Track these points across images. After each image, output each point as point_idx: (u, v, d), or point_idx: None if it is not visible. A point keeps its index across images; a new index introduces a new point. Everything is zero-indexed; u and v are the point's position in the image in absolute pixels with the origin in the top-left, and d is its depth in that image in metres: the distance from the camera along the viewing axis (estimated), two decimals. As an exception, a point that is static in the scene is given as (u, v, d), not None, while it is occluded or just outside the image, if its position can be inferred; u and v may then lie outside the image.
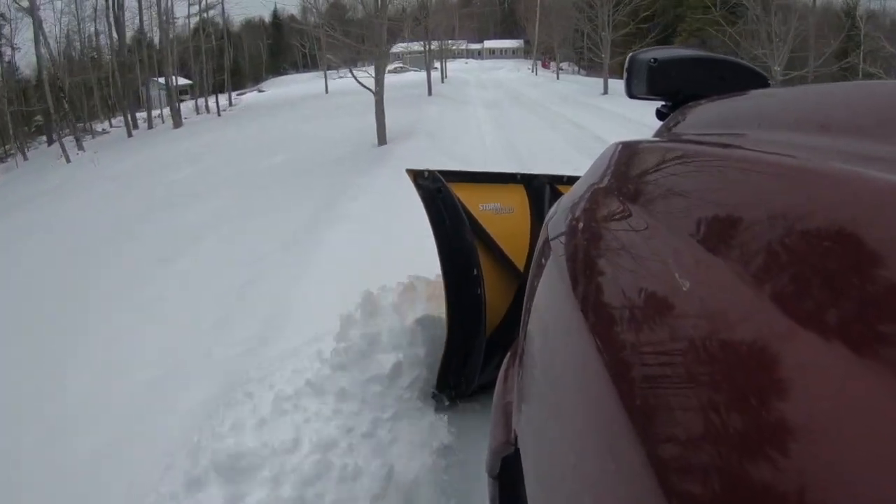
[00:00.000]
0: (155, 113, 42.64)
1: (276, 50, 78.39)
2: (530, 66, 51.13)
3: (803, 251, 0.37)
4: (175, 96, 29.31)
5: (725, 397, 0.33)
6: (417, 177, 2.08)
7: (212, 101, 39.19)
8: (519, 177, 2.45)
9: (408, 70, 52.26)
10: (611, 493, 0.42)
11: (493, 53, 64.48)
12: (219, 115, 28.07)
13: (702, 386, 0.36)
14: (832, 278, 0.33)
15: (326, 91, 30.71)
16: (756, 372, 0.33)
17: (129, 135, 23.71)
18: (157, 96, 58.16)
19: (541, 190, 2.42)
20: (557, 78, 32.72)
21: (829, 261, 0.34)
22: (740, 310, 0.37)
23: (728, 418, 0.32)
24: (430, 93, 19.77)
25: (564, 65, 47.82)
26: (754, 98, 0.88)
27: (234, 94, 51.37)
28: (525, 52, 63.54)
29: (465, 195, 2.14)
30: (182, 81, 62.37)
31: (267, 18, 79.98)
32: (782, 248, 0.38)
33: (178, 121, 23.79)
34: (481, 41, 64.15)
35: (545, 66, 44.04)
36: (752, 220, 0.43)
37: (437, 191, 2.07)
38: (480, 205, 2.22)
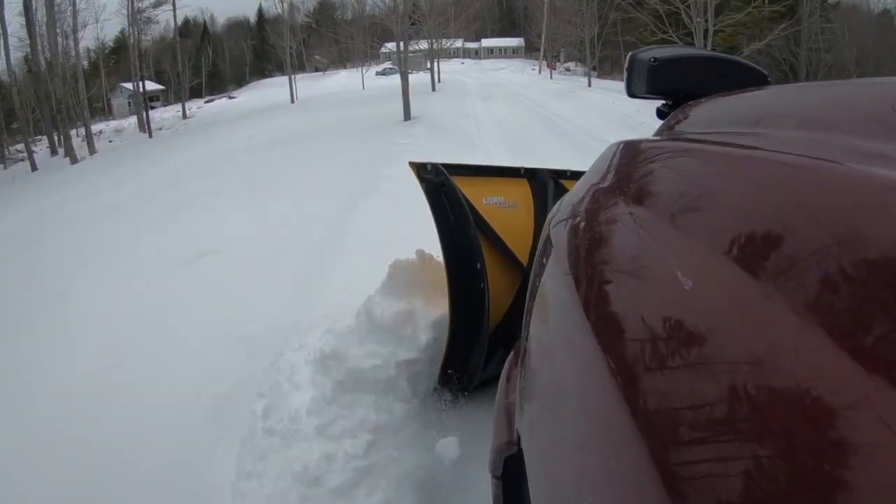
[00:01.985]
0: (122, 123, 36.11)
1: (262, 51, 72.62)
2: (534, 66, 44.78)
3: (807, 249, 0.36)
4: (80, 117, 22.83)
5: (729, 396, 0.33)
6: (420, 170, 2.07)
7: (176, 109, 33.03)
8: (522, 171, 2.42)
9: (398, 71, 45.66)
10: (614, 494, 0.42)
11: (491, 53, 59.44)
12: (150, 136, 21.73)
13: (705, 385, 0.36)
14: (837, 276, 0.32)
15: (293, 100, 24.47)
16: (759, 370, 0.32)
17: (33, 167, 20.28)
18: (124, 104, 51.29)
19: (544, 184, 2.39)
20: (589, 84, 25.30)
21: (833, 259, 0.34)
22: (743, 308, 0.37)
23: (732, 418, 0.32)
24: (406, 116, 13.91)
25: (571, 65, 41.53)
26: (755, 96, 0.89)
27: (197, 102, 45.18)
28: (526, 52, 57.35)
29: (469, 189, 2.12)
30: (152, 87, 55.57)
31: (252, 18, 73.68)
32: (785, 246, 0.38)
33: (74, 155, 17.90)
34: (478, 40, 58.01)
35: (551, 66, 37.86)
36: (754, 218, 0.44)
37: (440, 184, 2.07)
38: (484, 198, 2.20)
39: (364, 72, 34.53)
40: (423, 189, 2.08)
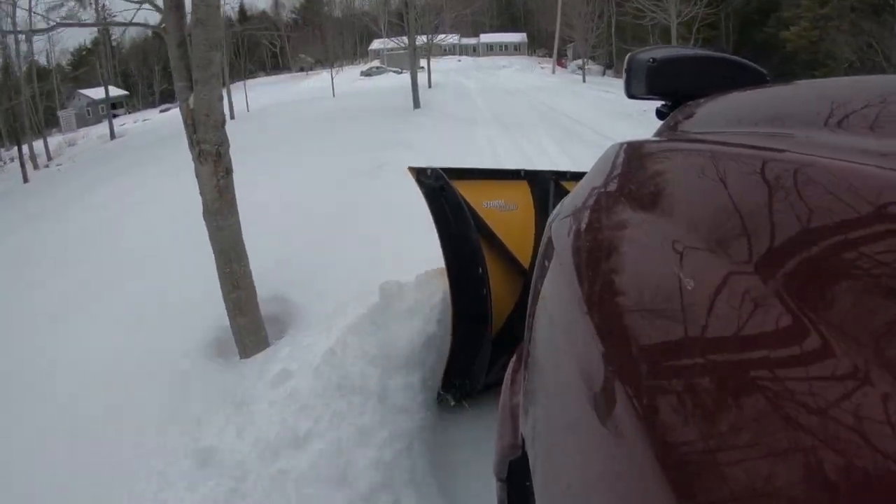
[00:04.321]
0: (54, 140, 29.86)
1: (244, 50, 65.37)
2: (543, 65, 38.11)
3: (809, 248, 0.37)
4: None
5: (733, 398, 0.34)
6: (420, 175, 2.08)
7: (140, 116, 26.46)
8: (522, 173, 2.42)
9: (385, 71, 39.20)
10: (619, 497, 0.43)
11: (490, 49, 53.26)
12: (25, 180, 14.63)
13: (709, 387, 0.36)
14: (839, 276, 0.33)
15: (232, 116, 17.94)
16: (763, 371, 0.33)
17: None
18: (81, 115, 44.07)
19: (545, 186, 2.37)
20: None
21: (835, 258, 0.35)
22: (745, 308, 0.37)
23: (736, 418, 0.33)
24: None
25: (582, 62, 34.98)
26: (754, 95, 0.92)
27: (142, 113, 38.73)
28: (529, 49, 50.91)
29: (469, 193, 2.13)
30: (115, 92, 48.20)
31: (234, 14, 66.60)
32: (787, 246, 0.39)
33: None
34: (476, 35, 51.58)
35: (560, 64, 31.47)
36: (755, 218, 0.45)
37: (440, 189, 2.06)
38: (484, 202, 2.21)
39: (335, 73, 27.69)
40: (422, 194, 2.08)
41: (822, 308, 0.32)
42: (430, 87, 21.58)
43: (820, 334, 0.30)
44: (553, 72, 35.91)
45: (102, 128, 32.50)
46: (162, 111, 38.54)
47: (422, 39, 19.96)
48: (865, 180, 0.37)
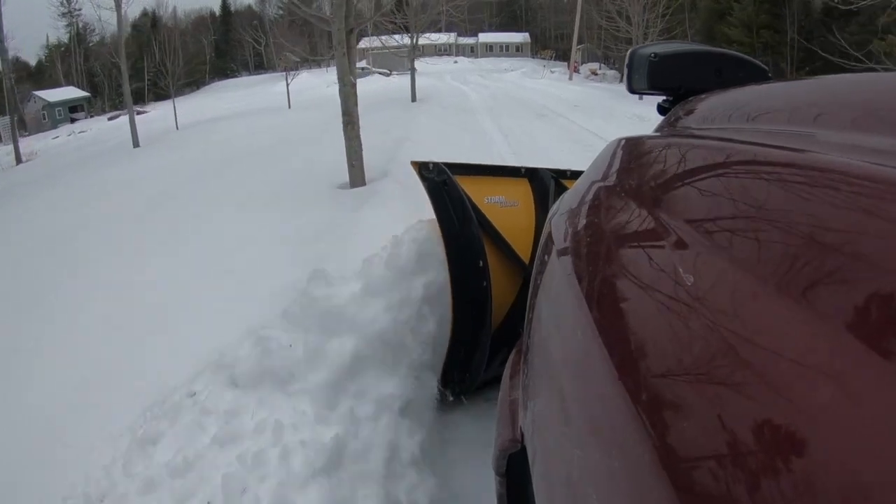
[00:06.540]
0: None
1: (225, 48, 59.58)
2: (553, 69, 32.69)
3: (807, 245, 0.38)
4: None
5: (732, 392, 0.34)
6: (422, 169, 2.11)
7: (80, 126, 22.21)
8: (523, 170, 2.45)
9: (371, 72, 33.87)
10: (618, 491, 0.44)
11: (490, 50, 48.25)
12: None
13: (708, 381, 0.37)
14: (836, 272, 0.34)
15: (136, 143, 12.54)
16: (762, 367, 0.33)
17: None
18: (37, 119, 37.96)
19: (545, 183, 2.41)
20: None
21: (833, 255, 0.35)
22: (744, 304, 0.38)
23: (735, 414, 0.33)
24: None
25: (597, 67, 30.18)
26: (756, 91, 0.93)
27: (89, 122, 33.40)
28: (532, 50, 45.86)
29: (470, 187, 2.16)
30: (76, 94, 42.47)
31: (217, 11, 61.92)
32: (786, 242, 0.40)
33: None
34: (475, 34, 46.50)
35: (573, 69, 26.72)
36: (755, 214, 0.45)
37: (442, 183, 2.09)
38: (485, 197, 2.22)
39: (291, 79, 21.78)
40: (425, 188, 2.10)
41: (823, 303, 0.32)
42: (413, 101, 15.90)
43: (823, 331, 0.30)
44: (570, 77, 31.32)
45: (47, 136, 27.02)
46: (110, 119, 33.36)
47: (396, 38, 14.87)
48: (864, 180, 0.37)
